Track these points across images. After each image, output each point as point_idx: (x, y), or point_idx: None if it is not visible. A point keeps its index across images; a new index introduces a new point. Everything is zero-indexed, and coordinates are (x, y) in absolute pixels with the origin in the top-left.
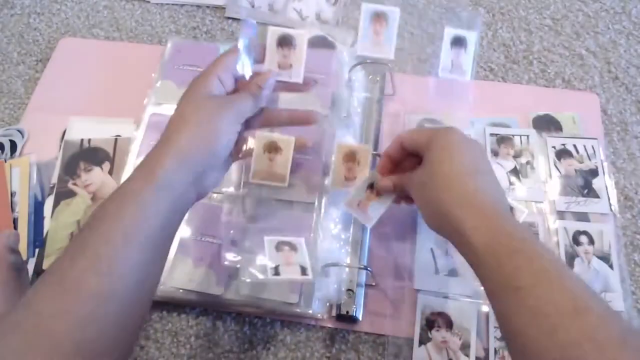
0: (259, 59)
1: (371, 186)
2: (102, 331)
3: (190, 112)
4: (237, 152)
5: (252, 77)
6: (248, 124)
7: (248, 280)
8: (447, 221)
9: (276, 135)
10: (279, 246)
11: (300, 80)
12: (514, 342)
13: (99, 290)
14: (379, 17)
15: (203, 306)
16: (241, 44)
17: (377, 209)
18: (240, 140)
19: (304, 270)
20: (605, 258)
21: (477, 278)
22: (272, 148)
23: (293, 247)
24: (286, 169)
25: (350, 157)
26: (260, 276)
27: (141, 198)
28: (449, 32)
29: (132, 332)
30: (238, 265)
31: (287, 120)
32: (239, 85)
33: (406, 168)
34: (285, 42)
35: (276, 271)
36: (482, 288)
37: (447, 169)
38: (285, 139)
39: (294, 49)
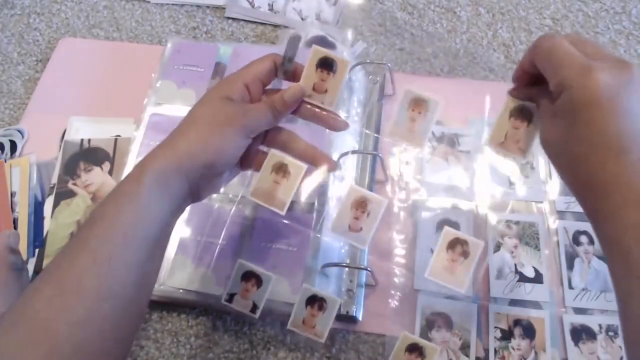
0: (293, 76)
1: (516, 114)
2: (101, 331)
3: (200, 114)
4: (248, 162)
5: (279, 90)
6: (265, 138)
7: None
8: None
9: (289, 158)
10: (246, 275)
11: (331, 107)
12: (630, 329)
13: (98, 291)
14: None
15: (203, 306)
16: (282, 57)
17: (530, 139)
18: (253, 151)
19: (254, 309)
20: (605, 258)
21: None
22: (282, 170)
23: (259, 282)
24: (289, 197)
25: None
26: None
27: (138, 200)
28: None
29: (131, 331)
30: None
31: (301, 153)
32: (266, 92)
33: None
34: (326, 65)
35: (229, 299)
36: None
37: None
38: (298, 165)
39: (334, 75)
